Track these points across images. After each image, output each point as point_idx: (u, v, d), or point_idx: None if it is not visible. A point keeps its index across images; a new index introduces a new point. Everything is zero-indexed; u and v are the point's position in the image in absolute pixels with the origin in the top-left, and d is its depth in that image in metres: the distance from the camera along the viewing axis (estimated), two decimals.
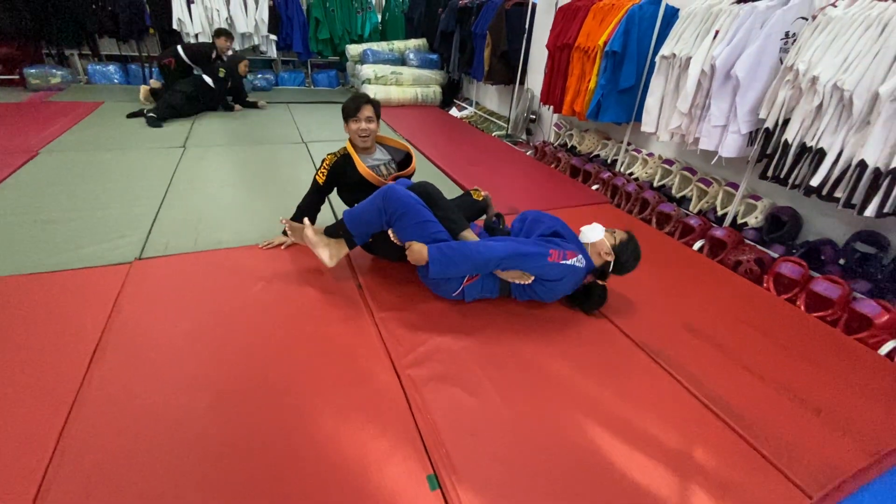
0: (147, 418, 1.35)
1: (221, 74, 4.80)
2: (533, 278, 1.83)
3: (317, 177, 2.18)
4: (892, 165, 1.87)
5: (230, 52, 5.10)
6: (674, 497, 1.25)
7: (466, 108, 6.34)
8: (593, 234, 1.91)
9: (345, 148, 2.20)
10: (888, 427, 1.53)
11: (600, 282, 1.96)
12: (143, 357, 1.57)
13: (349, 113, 2.13)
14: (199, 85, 4.77)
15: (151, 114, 4.33)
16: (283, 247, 2.29)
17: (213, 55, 4.92)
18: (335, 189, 2.28)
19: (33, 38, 5.49)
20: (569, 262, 1.77)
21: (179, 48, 4.88)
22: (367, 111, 2.12)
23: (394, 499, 1.18)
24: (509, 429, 1.42)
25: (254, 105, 5.35)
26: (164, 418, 1.35)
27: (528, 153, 4.50)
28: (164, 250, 2.21)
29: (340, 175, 2.17)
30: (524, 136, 5.17)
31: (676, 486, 1.28)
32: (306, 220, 1.97)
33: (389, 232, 1.90)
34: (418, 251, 1.73)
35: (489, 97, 6.16)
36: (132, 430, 1.30)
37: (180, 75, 4.88)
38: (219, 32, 5.04)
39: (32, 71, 5.37)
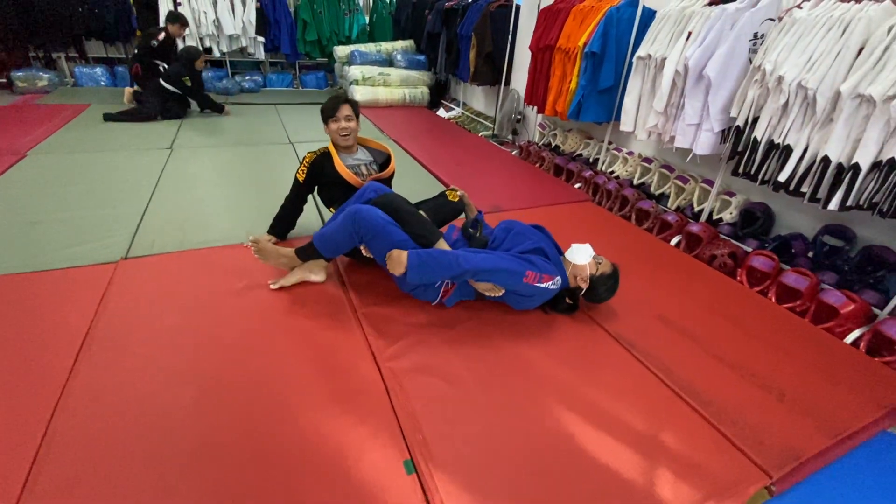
0: (132, 411, 1.38)
1: (188, 83, 4.68)
2: (504, 291, 1.86)
3: (297, 175, 2.22)
4: (854, 160, 1.94)
5: (184, 40, 4.96)
6: (642, 478, 1.31)
7: (454, 109, 6.40)
8: (579, 256, 1.90)
9: (326, 147, 2.24)
10: (849, 411, 1.60)
11: (568, 300, 1.98)
12: (129, 352, 1.61)
13: (328, 114, 2.17)
14: (164, 93, 4.66)
15: (110, 113, 4.49)
16: None
17: (161, 37, 4.71)
18: (316, 188, 2.32)
19: (20, 41, 5.48)
20: (543, 285, 1.78)
21: (136, 50, 4.85)
22: (346, 110, 2.16)
23: (371, 483, 1.23)
24: (486, 416, 1.47)
25: (221, 109, 5.08)
26: (149, 411, 1.39)
27: (513, 153, 4.56)
28: (151, 249, 2.25)
29: (320, 173, 2.21)
30: (510, 136, 5.23)
31: (644, 468, 1.34)
32: (278, 283, 2.02)
33: (361, 248, 1.90)
34: (397, 258, 1.73)
35: (476, 98, 6.22)
36: (117, 423, 1.34)
37: (153, 75, 4.79)
38: (172, 18, 4.87)
39: (19, 74, 5.37)
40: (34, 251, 2.17)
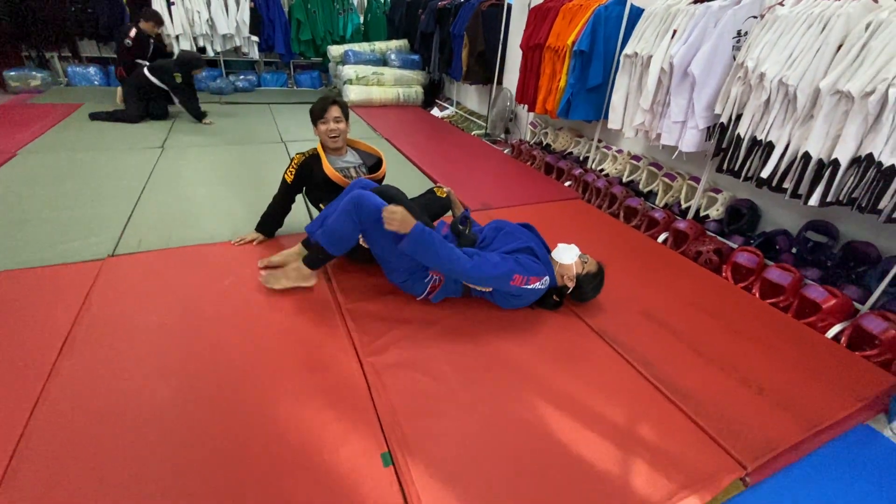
0: (113, 405, 1.39)
1: (178, 80, 4.50)
2: (491, 289, 1.89)
3: (285, 176, 2.21)
4: (834, 156, 1.96)
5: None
6: (618, 470, 1.33)
7: (448, 108, 6.41)
8: (566, 256, 1.93)
9: (315, 148, 2.23)
10: (828, 404, 1.62)
11: (555, 297, 2.00)
12: (112, 348, 1.61)
13: (317, 115, 2.15)
14: (147, 91, 4.52)
15: (96, 112, 4.48)
16: (254, 243, 2.34)
17: (133, 33, 4.57)
18: (304, 190, 2.31)
19: (13, 40, 5.48)
20: (530, 286, 1.81)
21: (115, 53, 4.79)
22: (335, 111, 2.15)
23: (347, 475, 1.24)
24: (466, 410, 1.48)
25: (202, 116, 4.78)
26: (129, 405, 1.40)
27: (505, 151, 4.57)
28: (138, 247, 2.25)
29: (308, 175, 2.20)
30: (503, 135, 5.25)
31: (621, 460, 1.36)
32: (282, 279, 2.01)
33: (359, 238, 1.88)
34: (406, 218, 1.66)
35: (470, 97, 6.23)
36: (99, 419, 1.35)
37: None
38: (145, 15, 4.72)
39: (12, 73, 5.35)
40: (21, 249, 2.17)
